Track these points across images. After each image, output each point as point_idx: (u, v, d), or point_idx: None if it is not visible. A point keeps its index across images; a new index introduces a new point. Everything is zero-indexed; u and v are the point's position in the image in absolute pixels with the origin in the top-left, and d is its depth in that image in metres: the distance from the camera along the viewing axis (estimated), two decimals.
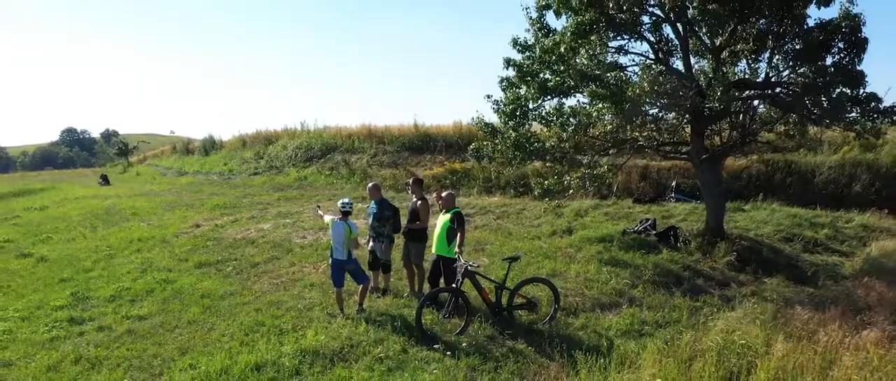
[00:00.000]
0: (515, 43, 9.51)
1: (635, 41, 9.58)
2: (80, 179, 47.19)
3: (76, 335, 8.40)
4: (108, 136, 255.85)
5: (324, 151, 22.02)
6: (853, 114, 8.89)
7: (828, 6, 8.61)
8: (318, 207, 9.49)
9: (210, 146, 36.33)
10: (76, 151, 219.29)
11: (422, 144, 19.75)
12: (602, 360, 6.22)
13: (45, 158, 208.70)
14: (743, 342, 6.33)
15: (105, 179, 37.00)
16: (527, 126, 9.73)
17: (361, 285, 8.11)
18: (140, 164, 57.07)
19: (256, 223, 14.31)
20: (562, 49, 8.75)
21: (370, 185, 9.04)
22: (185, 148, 45.28)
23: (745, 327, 6.83)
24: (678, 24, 8.97)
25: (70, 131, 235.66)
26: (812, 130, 11.36)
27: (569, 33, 8.59)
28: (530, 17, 10.49)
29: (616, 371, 5.94)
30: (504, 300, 7.50)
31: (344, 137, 22.07)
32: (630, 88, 8.18)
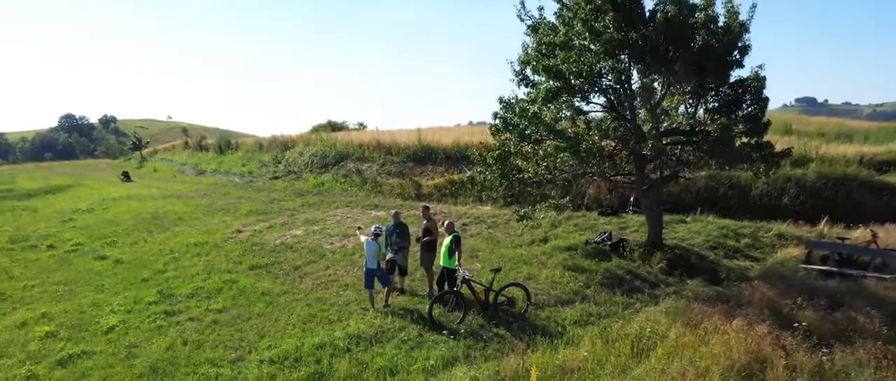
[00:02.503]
0: (501, 100, 12.36)
1: (594, 95, 12.44)
2: (97, 173, 49.74)
3: (175, 324, 11.31)
4: (107, 122, 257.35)
5: (337, 159, 24.88)
6: (754, 157, 11.77)
7: (725, 83, 11.44)
8: (359, 229, 12.30)
9: (226, 146, 39.08)
10: (75, 137, 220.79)
11: (425, 155, 22.60)
12: (556, 341, 9.18)
13: (44, 145, 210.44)
14: (652, 328, 9.28)
15: (127, 176, 39.71)
16: (510, 162, 12.59)
17: (386, 287, 11.05)
18: (151, 156, 59.60)
19: (289, 230, 17.21)
20: (535, 107, 11.61)
21: (393, 212, 11.97)
22: (198, 145, 47.99)
23: (658, 317, 9.79)
24: (624, 89, 11.79)
25: (68, 117, 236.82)
26: None
27: (540, 97, 11.44)
28: (514, 70, 13.34)
29: (563, 349, 8.89)
30: (491, 299, 10.44)
31: (355, 147, 24.92)
32: (584, 142, 11.03)
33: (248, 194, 24.23)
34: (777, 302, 10.23)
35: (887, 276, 11.42)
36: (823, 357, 8.24)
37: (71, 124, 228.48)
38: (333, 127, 59.29)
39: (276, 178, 26.54)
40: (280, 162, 28.18)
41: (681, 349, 8.64)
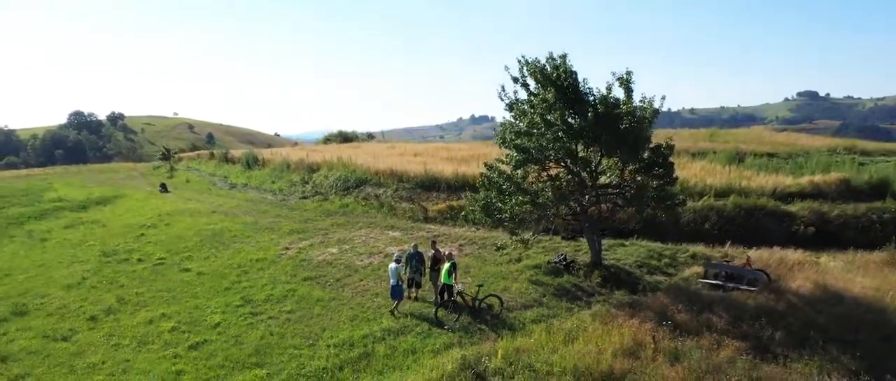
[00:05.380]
0: (485, 164, 17.48)
1: (550, 161, 17.50)
2: (131, 182, 54.78)
3: (260, 321, 16.41)
4: (115, 119, 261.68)
5: (357, 183, 30.02)
6: (662, 205, 16.83)
7: (639, 157, 16.48)
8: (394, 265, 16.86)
9: (253, 161, 44.12)
10: (84, 134, 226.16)
11: (430, 183, 27.66)
12: (516, 333, 14.27)
13: (54, 142, 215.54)
14: (579, 324, 14.37)
15: (164, 188, 44.81)
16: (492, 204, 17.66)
17: (399, 299, 16.10)
18: (177, 162, 64.52)
19: (326, 248, 22.33)
20: (508, 171, 16.72)
21: (413, 244, 17.10)
22: (225, 157, 53.01)
23: (585, 317, 14.89)
24: (571, 157, 16.85)
25: (77, 114, 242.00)
26: None
27: (512, 164, 16.55)
28: (495, 134, 18.42)
29: (520, 338, 13.97)
30: (476, 305, 15.54)
31: (372, 173, 30.06)
32: (541, 197, 16.12)
33: (284, 213, 29.37)
34: (667, 307, 15.29)
35: (752, 289, 16.46)
36: (679, 343, 13.33)
37: (80, 121, 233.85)
38: (344, 137, 64.65)
39: (305, 197, 31.64)
40: (307, 183, 33.30)
41: (593, 337, 13.73)
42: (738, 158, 32.90)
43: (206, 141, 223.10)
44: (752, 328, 14.09)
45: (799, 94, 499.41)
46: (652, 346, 13.18)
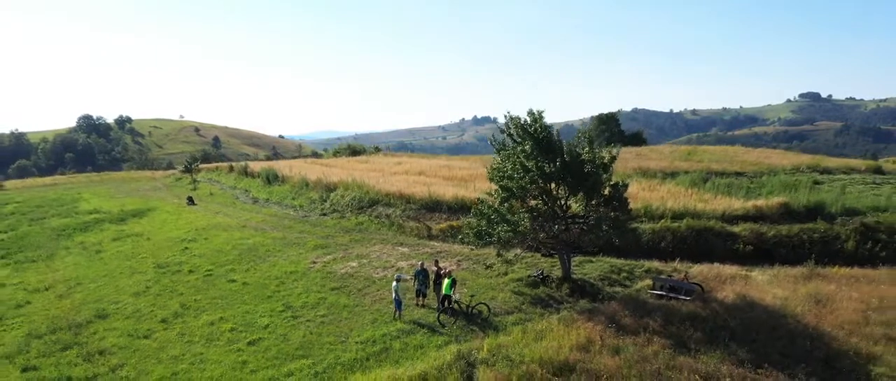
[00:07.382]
0: (478, 198, 21.97)
1: (529, 197, 21.99)
2: (156, 193, 59.21)
3: (300, 323, 20.87)
4: (122, 122, 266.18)
5: (370, 203, 34.51)
6: (617, 233, 21.32)
7: (601, 194, 20.94)
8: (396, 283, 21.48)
9: (273, 177, 48.56)
10: (93, 137, 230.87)
11: (433, 205, 32.12)
12: (499, 333, 18.75)
13: (65, 145, 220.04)
14: (547, 326, 18.82)
15: (191, 201, 49.23)
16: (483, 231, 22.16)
17: (399, 310, 20.53)
18: (197, 174, 68.84)
19: (347, 262, 26.83)
20: (495, 205, 21.25)
21: (420, 262, 21.61)
22: (244, 171, 57.43)
23: (553, 321, 19.35)
24: (545, 194, 21.35)
25: (86, 118, 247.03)
26: None
27: (498, 198, 21.07)
28: (487, 171, 22.93)
29: (502, 336, 18.44)
30: (470, 311, 20.03)
31: (383, 195, 34.57)
32: (521, 226, 20.63)
33: (307, 229, 33.89)
34: (617, 312, 19.75)
35: (687, 298, 20.89)
36: (620, 341, 17.78)
37: (88, 124, 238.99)
38: (353, 150, 69.20)
39: (325, 215, 36.12)
40: (325, 201, 37.77)
41: (557, 336, 18.19)
42: (704, 179, 37.27)
43: (213, 144, 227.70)
44: (678, 330, 18.49)
45: (801, 95, 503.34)
46: (599, 343, 17.66)
